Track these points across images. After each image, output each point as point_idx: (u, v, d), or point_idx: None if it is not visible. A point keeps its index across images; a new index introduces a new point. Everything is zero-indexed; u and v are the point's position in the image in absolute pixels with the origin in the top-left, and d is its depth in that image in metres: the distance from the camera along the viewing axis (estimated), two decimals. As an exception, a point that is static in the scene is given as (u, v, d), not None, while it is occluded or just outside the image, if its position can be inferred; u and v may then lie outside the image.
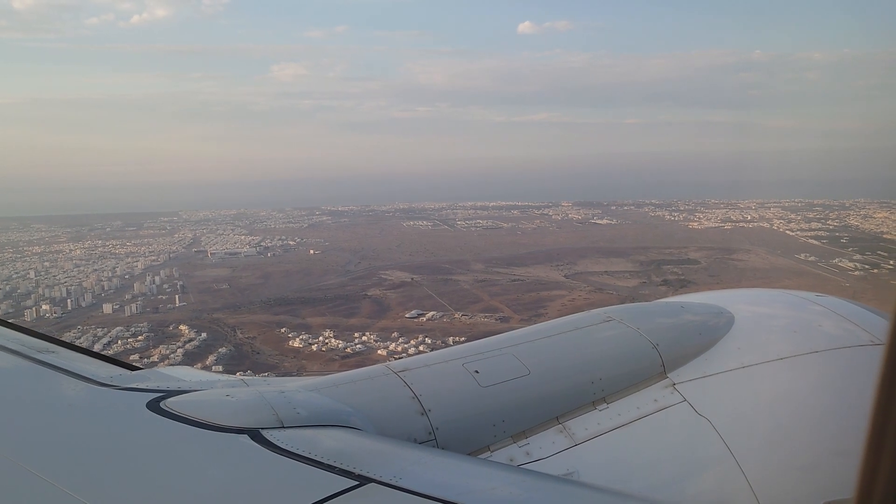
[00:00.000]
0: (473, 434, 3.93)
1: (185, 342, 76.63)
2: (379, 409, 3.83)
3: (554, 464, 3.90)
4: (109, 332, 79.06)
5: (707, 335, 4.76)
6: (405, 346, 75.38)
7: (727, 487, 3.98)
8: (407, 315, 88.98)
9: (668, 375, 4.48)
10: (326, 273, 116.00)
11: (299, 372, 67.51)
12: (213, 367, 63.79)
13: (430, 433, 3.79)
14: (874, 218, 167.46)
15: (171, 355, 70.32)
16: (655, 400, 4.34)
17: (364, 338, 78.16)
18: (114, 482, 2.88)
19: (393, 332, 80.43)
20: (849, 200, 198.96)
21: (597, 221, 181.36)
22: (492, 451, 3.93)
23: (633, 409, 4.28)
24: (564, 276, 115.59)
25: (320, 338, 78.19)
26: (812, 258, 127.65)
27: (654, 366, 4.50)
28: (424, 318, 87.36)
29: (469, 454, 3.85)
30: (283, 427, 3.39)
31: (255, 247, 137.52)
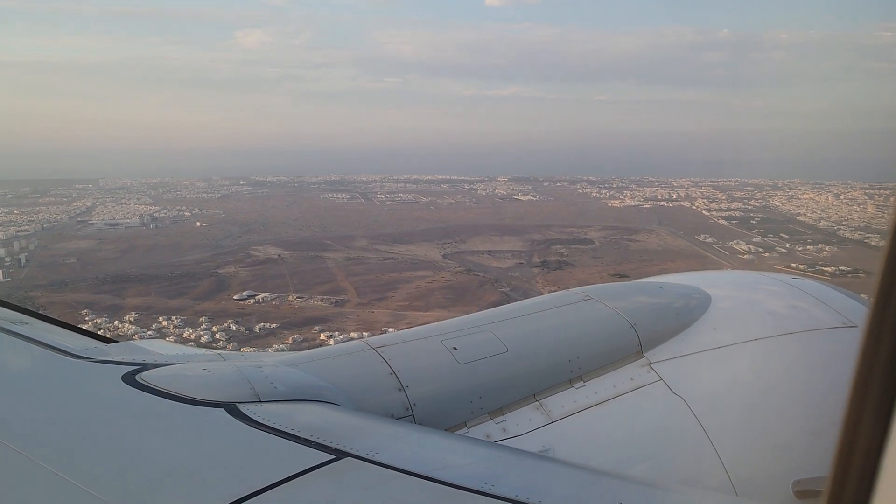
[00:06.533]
0: (451, 410, 3.81)
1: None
2: (356, 384, 3.69)
3: (530, 441, 3.80)
4: None
5: (684, 315, 4.63)
6: (203, 332, 66.14)
7: (700, 465, 3.92)
8: (236, 297, 79.63)
9: (645, 355, 4.37)
10: (194, 248, 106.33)
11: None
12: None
13: (407, 409, 3.67)
14: (799, 199, 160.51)
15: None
16: (632, 379, 4.22)
17: (164, 323, 68.73)
18: (89, 455, 2.78)
19: (202, 317, 71.11)
20: (783, 181, 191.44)
21: (519, 198, 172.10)
22: (469, 428, 3.81)
23: (609, 387, 4.16)
24: (443, 255, 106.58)
25: (116, 321, 68.77)
26: (710, 239, 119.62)
27: (632, 345, 4.37)
28: (252, 301, 78.04)
29: (446, 430, 3.74)
30: (260, 401, 3.25)
31: (143, 217, 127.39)
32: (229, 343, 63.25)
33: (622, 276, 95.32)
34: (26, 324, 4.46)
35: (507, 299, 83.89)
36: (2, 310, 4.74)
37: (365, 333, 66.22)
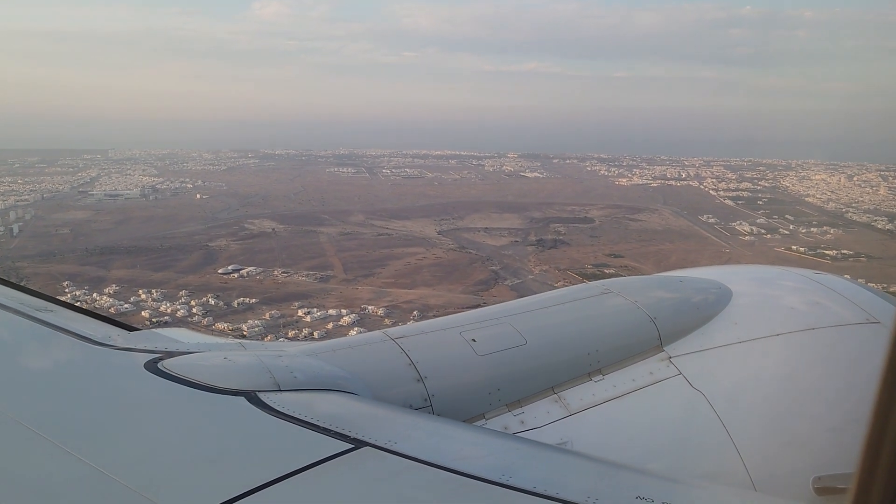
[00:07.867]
0: (469, 401, 3.81)
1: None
2: (376, 374, 3.69)
3: (548, 433, 3.81)
4: None
5: (704, 310, 4.59)
6: (180, 306, 64.84)
7: (719, 461, 3.91)
8: (220, 270, 78.25)
9: (665, 349, 4.34)
10: (190, 220, 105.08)
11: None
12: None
13: (426, 400, 3.67)
14: (811, 180, 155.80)
15: None
16: (651, 373, 4.20)
17: (143, 296, 67.54)
18: (111, 442, 2.82)
19: (182, 291, 69.79)
20: (798, 161, 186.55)
21: (525, 175, 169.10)
22: (487, 419, 3.81)
23: (628, 381, 4.14)
24: (438, 231, 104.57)
25: (94, 294, 67.65)
26: (713, 220, 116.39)
27: (651, 339, 4.34)
28: (237, 275, 76.61)
29: (464, 421, 3.73)
30: (280, 390, 3.28)
31: (144, 189, 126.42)
32: (205, 318, 61.98)
33: (617, 257, 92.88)
34: (51, 311, 4.42)
35: (496, 277, 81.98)
36: (27, 297, 4.68)
37: (343, 311, 64.73)
